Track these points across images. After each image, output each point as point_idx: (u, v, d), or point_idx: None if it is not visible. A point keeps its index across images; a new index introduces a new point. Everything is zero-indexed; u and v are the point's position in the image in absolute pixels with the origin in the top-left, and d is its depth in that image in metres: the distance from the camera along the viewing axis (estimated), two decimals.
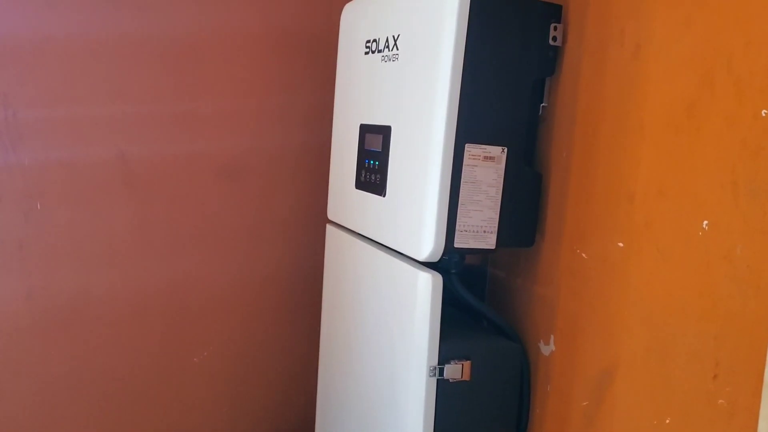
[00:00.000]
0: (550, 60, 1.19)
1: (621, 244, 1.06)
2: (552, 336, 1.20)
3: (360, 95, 1.39)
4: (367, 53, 1.35)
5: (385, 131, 1.27)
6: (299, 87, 1.69)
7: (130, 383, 1.65)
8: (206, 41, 1.60)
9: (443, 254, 1.15)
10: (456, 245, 1.15)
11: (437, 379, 1.16)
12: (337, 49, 1.52)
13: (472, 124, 1.11)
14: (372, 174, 1.32)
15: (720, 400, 0.88)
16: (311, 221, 1.74)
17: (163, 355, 1.67)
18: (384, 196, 1.27)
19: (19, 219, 1.50)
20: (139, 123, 1.57)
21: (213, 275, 1.69)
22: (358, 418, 1.40)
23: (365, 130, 1.36)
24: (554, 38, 1.17)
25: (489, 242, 1.17)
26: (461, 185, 1.13)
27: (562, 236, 1.18)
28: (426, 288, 1.14)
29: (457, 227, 1.14)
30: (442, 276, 1.15)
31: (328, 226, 1.58)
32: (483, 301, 1.41)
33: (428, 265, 1.17)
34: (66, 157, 1.52)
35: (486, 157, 1.14)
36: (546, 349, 1.22)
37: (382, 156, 1.28)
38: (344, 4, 1.50)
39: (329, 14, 1.66)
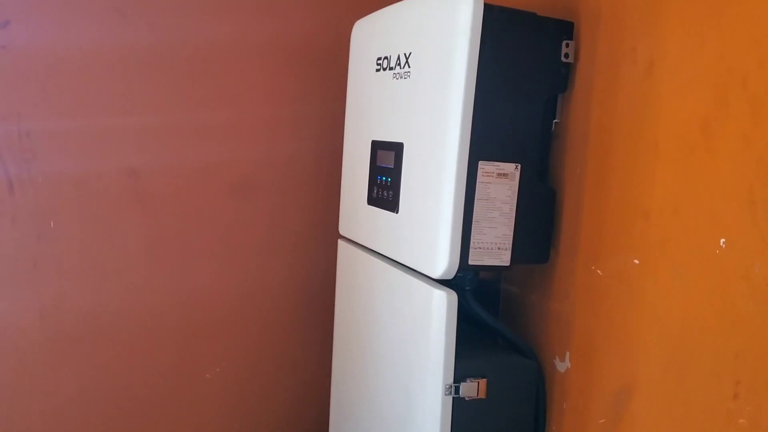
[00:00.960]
0: (562, 77, 1.19)
1: (637, 261, 1.06)
2: (567, 353, 1.20)
3: (371, 112, 1.40)
4: (378, 70, 1.35)
5: (397, 148, 1.27)
6: (311, 100, 1.70)
7: (142, 400, 1.65)
8: (217, 56, 1.61)
9: (457, 271, 1.14)
10: (470, 262, 1.14)
11: (453, 398, 1.15)
12: (347, 62, 1.52)
13: (485, 141, 1.12)
14: (384, 190, 1.33)
15: (741, 420, 0.88)
16: (323, 235, 1.75)
17: (176, 371, 1.67)
18: (397, 212, 1.27)
19: (33, 237, 1.51)
20: (151, 138, 1.58)
21: (225, 290, 1.70)
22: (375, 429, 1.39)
23: (377, 146, 1.36)
24: (566, 55, 1.17)
25: (503, 259, 1.17)
26: (475, 202, 1.13)
27: (577, 253, 1.18)
28: (441, 305, 1.13)
29: (471, 244, 1.14)
30: (457, 293, 1.15)
31: (340, 242, 1.58)
32: (497, 317, 1.41)
33: (442, 282, 1.17)
34: (79, 174, 1.53)
35: (500, 174, 1.14)
36: (561, 366, 1.21)
37: (395, 172, 1.28)
38: (353, 19, 1.50)
39: (338, 29, 1.67)
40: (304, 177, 1.73)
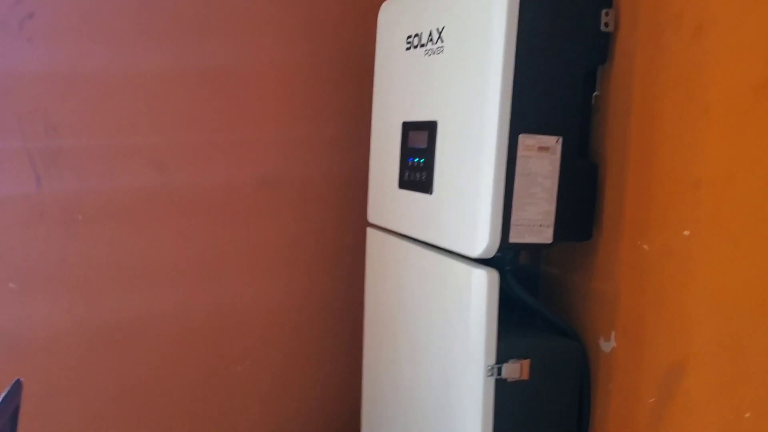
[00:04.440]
0: (601, 48, 1.16)
1: (687, 233, 1.02)
2: (613, 333, 1.16)
3: (401, 92, 1.36)
4: (408, 49, 1.32)
5: (430, 127, 1.24)
6: (333, 89, 1.68)
7: (175, 393, 1.63)
8: (240, 70, 1.59)
9: (497, 250, 1.11)
10: (511, 240, 1.11)
11: (495, 379, 1.11)
12: (369, 48, 1.49)
13: (526, 113, 1.08)
14: (417, 172, 1.29)
15: None
16: (349, 225, 1.71)
17: (205, 366, 1.65)
18: (431, 193, 1.24)
19: (61, 231, 1.49)
20: (178, 131, 1.56)
21: (254, 283, 1.67)
22: (409, 423, 1.36)
23: (408, 127, 1.33)
24: (606, 24, 1.14)
25: (545, 236, 1.13)
26: (516, 177, 1.09)
27: (621, 228, 1.14)
28: (482, 285, 1.10)
29: (512, 221, 1.11)
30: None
31: (369, 230, 1.55)
32: (536, 299, 1.37)
33: (482, 262, 1.14)
34: (106, 167, 1.51)
35: (540, 148, 1.10)
36: (606, 346, 1.17)
37: (428, 152, 1.25)
38: (376, 5, 1.47)
39: (361, 16, 1.65)
40: (327, 167, 1.70)
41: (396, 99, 1.39)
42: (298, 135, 1.67)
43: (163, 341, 1.60)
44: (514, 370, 1.12)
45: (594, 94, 1.19)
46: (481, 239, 1.10)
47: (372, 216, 1.52)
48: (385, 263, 1.47)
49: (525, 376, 1.13)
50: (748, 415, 0.92)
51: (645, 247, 1.10)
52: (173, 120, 1.55)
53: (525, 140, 1.09)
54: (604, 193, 1.18)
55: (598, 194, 1.18)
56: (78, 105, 1.48)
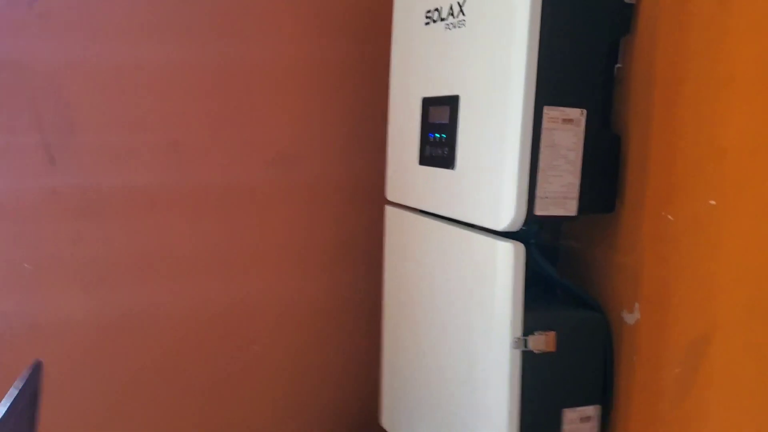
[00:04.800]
0: (625, 19, 1.15)
1: (713, 203, 1.02)
2: (637, 304, 1.17)
3: (421, 68, 1.36)
4: (428, 23, 1.32)
5: (452, 102, 1.24)
6: (349, 66, 1.67)
7: (191, 377, 1.64)
8: (251, 24, 1.59)
9: (523, 224, 1.11)
10: (537, 212, 1.11)
11: (522, 351, 1.12)
12: (385, 26, 1.49)
13: (550, 86, 1.08)
14: (438, 147, 1.29)
15: None
16: (366, 203, 1.71)
17: (222, 350, 1.65)
18: (454, 168, 1.24)
19: (76, 210, 1.49)
20: (193, 109, 1.56)
21: (268, 260, 1.67)
22: (432, 400, 1.37)
23: (429, 103, 1.33)
24: None
25: (570, 208, 1.13)
26: (540, 149, 1.09)
27: (644, 200, 1.15)
28: (508, 257, 1.10)
29: (537, 194, 1.11)
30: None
31: (388, 208, 1.55)
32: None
33: (506, 236, 1.14)
34: (120, 144, 1.51)
35: (565, 120, 1.10)
36: (630, 318, 1.18)
37: (450, 128, 1.25)
38: None
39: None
40: (342, 145, 1.70)
41: (415, 75, 1.39)
42: (313, 114, 1.66)
43: (178, 327, 1.60)
44: (540, 341, 1.13)
45: (616, 65, 1.18)
46: (507, 212, 1.10)
47: (391, 193, 1.52)
48: (405, 241, 1.47)
49: (551, 348, 1.13)
50: None
51: (669, 217, 1.10)
52: (187, 108, 1.55)
53: (549, 112, 1.09)
54: (627, 164, 1.18)
55: (621, 166, 1.19)
56: (93, 86, 1.47)
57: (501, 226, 1.11)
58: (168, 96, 1.53)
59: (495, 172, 1.12)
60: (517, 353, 1.12)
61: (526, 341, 1.12)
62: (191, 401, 1.64)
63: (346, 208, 1.72)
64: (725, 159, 1.00)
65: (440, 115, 1.28)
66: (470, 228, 1.22)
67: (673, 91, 1.09)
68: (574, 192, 1.13)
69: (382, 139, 1.53)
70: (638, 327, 1.17)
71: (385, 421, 1.60)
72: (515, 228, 1.11)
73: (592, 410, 1.20)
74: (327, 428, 1.77)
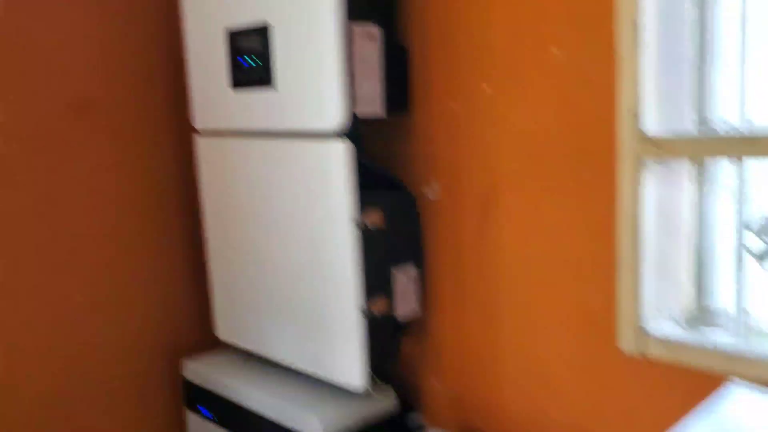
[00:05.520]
0: None
1: (488, 90, 1.35)
2: (436, 182, 1.47)
3: None
4: None
5: (262, 32, 1.39)
6: None
7: None
8: None
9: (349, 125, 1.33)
10: (358, 111, 1.34)
11: (362, 230, 1.36)
12: None
13: (355, 7, 1.30)
14: (253, 72, 1.44)
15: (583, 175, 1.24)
16: (165, 137, 1.76)
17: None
18: (275, 88, 1.40)
19: None
20: None
21: (67, 203, 1.65)
22: (273, 295, 1.54)
23: (237, 35, 1.45)
24: None
25: (379, 109, 1.39)
26: (354, 61, 1.32)
27: (430, 97, 1.44)
28: (343, 154, 1.32)
29: (356, 96, 1.34)
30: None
31: (199, 138, 1.64)
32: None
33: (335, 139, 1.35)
34: None
35: (369, 36, 1.34)
36: (431, 193, 1.48)
37: (264, 52, 1.40)
38: None
39: None
40: (139, 87, 1.71)
41: (214, 3, 1.49)
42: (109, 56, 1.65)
43: None
44: (375, 218, 1.38)
45: None
46: (336, 114, 1.31)
47: (200, 122, 1.62)
48: (225, 164, 1.59)
49: (381, 223, 1.40)
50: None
51: (453, 106, 1.41)
52: None
53: (356, 29, 1.32)
54: (414, 70, 1.46)
55: (410, 72, 1.46)
56: None
57: (333, 126, 1.32)
58: None
59: (319, 82, 1.32)
60: (358, 231, 1.36)
61: (364, 221, 1.36)
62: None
63: (149, 144, 1.75)
64: (494, 53, 1.33)
65: (251, 43, 1.42)
66: (299, 138, 1.40)
67: (446, 4, 1.38)
68: (381, 95, 1.39)
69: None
70: (439, 198, 1.48)
71: (221, 333, 1.73)
72: (345, 127, 1.33)
73: (414, 271, 1.49)
74: (166, 353, 1.83)
